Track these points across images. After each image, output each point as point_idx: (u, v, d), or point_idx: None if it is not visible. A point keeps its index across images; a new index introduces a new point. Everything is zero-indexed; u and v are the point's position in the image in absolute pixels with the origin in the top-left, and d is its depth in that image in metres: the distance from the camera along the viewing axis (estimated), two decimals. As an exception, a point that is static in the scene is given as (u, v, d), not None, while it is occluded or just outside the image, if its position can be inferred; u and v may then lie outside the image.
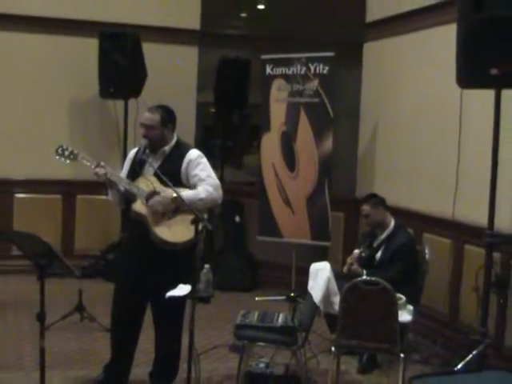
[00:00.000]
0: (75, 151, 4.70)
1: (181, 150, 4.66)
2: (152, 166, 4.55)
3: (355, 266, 5.25)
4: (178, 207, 4.41)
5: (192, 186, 4.53)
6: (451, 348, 5.57)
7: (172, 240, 4.42)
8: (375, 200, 5.51)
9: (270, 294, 7.30)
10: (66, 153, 4.69)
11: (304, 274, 5.39)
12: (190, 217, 3.98)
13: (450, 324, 5.94)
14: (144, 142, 4.60)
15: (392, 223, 5.43)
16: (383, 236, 5.40)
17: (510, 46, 4.48)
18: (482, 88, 4.81)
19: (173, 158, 4.62)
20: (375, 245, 5.42)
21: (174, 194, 4.37)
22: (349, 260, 5.33)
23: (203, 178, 4.55)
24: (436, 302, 5.93)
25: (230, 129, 9.76)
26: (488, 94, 4.78)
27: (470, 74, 4.70)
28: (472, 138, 5.58)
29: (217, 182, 4.62)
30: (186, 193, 4.46)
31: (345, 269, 5.33)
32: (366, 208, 5.48)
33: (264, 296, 7.29)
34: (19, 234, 4.40)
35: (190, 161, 4.58)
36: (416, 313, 5.09)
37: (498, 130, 4.77)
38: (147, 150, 4.57)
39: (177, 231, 4.39)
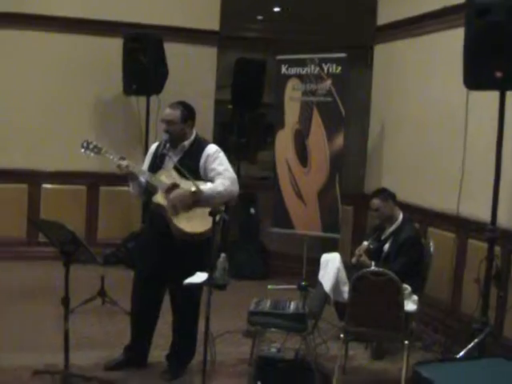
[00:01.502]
0: (99, 145, 4.74)
1: (199, 145, 4.68)
2: (172, 159, 4.57)
3: (363, 258, 5.25)
4: (196, 200, 4.43)
5: (210, 180, 4.55)
6: (452, 336, 5.56)
7: (190, 231, 4.44)
8: (385, 194, 5.49)
9: (282, 282, 7.31)
10: (91, 146, 4.73)
11: (314, 265, 5.39)
12: (208, 208, 4.00)
13: (451, 313, 5.93)
14: (165, 136, 4.62)
15: (400, 217, 5.41)
16: (391, 229, 5.39)
17: (513, 50, 4.47)
18: (487, 89, 4.79)
19: (192, 152, 4.64)
20: (383, 237, 5.41)
21: (193, 188, 4.39)
22: (357, 252, 5.33)
23: (221, 172, 4.56)
24: (439, 292, 5.92)
25: (245, 126, 9.77)
26: (493, 95, 4.76)
27: (476, 76, 4.69)
28: (477, 138, 5.56)
29: (234, 175, 4.63)
30: (204, 186, 4.47)
31: (353, 260, 5.32)
32: (376, 202, 5.46)
33: (276, 285, 7.30)
34: (46, 223, 4.44)
35: (209, 155, 4.60)
36: (420, 302, 5.09)
37: (502, 129, 4.76)
38: (168, 145, 4.59)
39: (195, 222, 4.41)
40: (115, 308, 5.89)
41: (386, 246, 5.34)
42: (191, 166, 4.52)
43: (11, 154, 7.71)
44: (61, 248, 4.16)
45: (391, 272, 4.54)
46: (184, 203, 4.47)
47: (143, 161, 4.93)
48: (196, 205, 4.46)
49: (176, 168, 4.52)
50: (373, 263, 5.18)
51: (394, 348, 5.31)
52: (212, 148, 4.66)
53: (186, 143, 4.66)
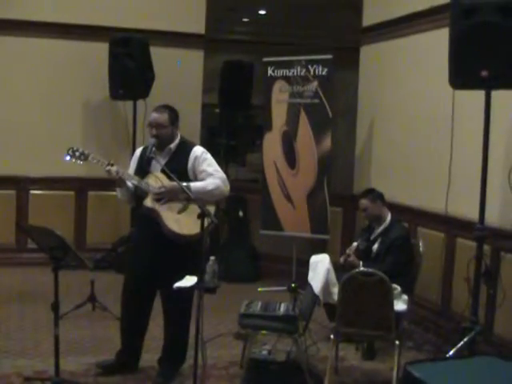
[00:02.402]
0: (86, 152, 4.68)
1: (185, 147, 4.68)
2: (160, 163, 4.56)
3: (352, 258, 5.26)
4: (187, 199, 4.42)
5: (200, 182, 4.55)
6: (443, 335, 5.59)
7: (181, 233, 4.44)
8: (373, 194, 5.51)
9: (272, 284, 7.30)
10: (77, 153, 4.67)
11: (304, 266, 5.39)
12: (198, 211, 3.99)
13: (442, 312, 5.95)
14: (152, 141, 4.61)
15: (389, 217, 5.43)
16: (380, 229, 5.41)
17: (499, 50, 4.49)
18: (473, 89, 4.81)
19: (179, 155, 4.64)
20: (372, 238, 5.43)
21: (184, 183, 4.39)
22: (347, 251, 5.35)
23: (211, 173, 4.58)
24: (429, 291, 5.94)
25: (233, 129, 9.79)
26: (479, 94, 4.78)
27: (462, 75, 4.72)
28: (464, 137, 5.58)
29: (224, 175, 4.66)
30: (194, 184, 4.48)
31: (341, 259, 5.34)
32: (364, 202, 5.48)
33: (266, 287, 7.30)
34: (35, 228, 4.42)
35: (196, 157, 4.61)
36: (410, 302, 5.10)
37: (488, 128, 4.78)
38: (153, 149, 4.58)
39: (186, 225, 4.40)
40: (106, 313, 5.87)
41: (375, 246, 5.36)
42: (179, 169, 4.51)
43: (-2, 161, 7.68)
44: (50, 253, 4.14)
45: (380, 272, 4.54)
46: (172, 194, 4.47)
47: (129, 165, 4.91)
48: (186, 207, 4.46)
49: (164, 171, 4.51)
50: (361, 263, 5.19)
51: (385, 348, 5.31)
52: (199, 150, 4.67)
53: (172, 146, 4.66)
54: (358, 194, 5.74)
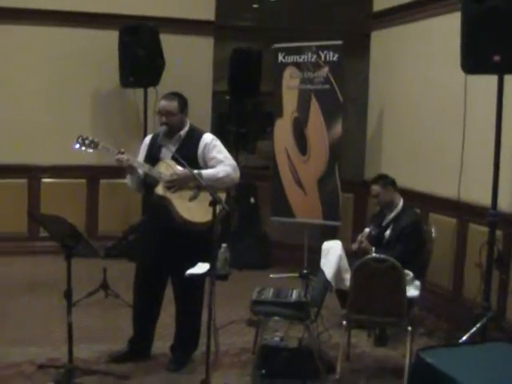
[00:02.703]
0: (95, 140, 4.67)
1: (195, 134, 4.68)
2: (170, 150, 4.56)
3: (365, 244, 5.26)
4: (198, 186, 4.42)
5: (211, 168, 4.55)
6: (455, 321, 5.57)
7: (193, 220, 4.44)
8: (385, 180, 5.48)
9: (284, 271, 7.31)
10: (87, 142, 4.66)
11: (315, 253, 5.39)
12: (209, 199, 3.99)
13: (454, 299, 5.94)
14: (162, 128, 4.60)
15: (401, 203, 5.41)
16: (392, 215, 5.39)
17: (510, 34, 4.45)
18: (486, 73, 4.78)
19: (188, 142, 4.64)
20: (384, 224, 5.41)
21: (195, 171, 4.38)
22: (359, 238, 5.34)
23: (221, 159, 4.58)
24: (441, 278, 5.93)
25: (243, 116, 9.73)
26: (491, 80, 4.75)
27: (474, 60, 4.69)
28: (476, 122, 5.55)
29: (234, 162, 4.66)
30: (206, 172, 4.48)
31: (355, 246, 5.34)
32: (375, 188, 5.46)
33: (278, 273, 7.30)
34: (47, 217, 4.44)
35: (206, 144, 4.61)
36: (422, 288, 5.09)
37: (501, 113, 4.75)
38: (162, 136, 4.57)
39: (197, 212, 4.40)
40: (118, 301, 5.90)
41: (387, 233, 5.35)
42: (189, 156, 4.50)
43: (10, 150, 7.68)
44: (62, 242, 4.16)
45: (392, 258, 4.54)
46: (184, 181, 4.47)
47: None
48: (198, 194, 4.46)
49: (174, 158, 4.51)
50: (373, 249, 5.19)
51: (397, 335, 5.31)
52: (208, 137, 4.66)
53: (182, 133, 4.66)
54: (370, 180, 5.72)
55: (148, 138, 4.84)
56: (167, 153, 4.59)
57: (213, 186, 4.32)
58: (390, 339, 5.36)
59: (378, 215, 5.57)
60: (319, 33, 8.00)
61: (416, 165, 6.66)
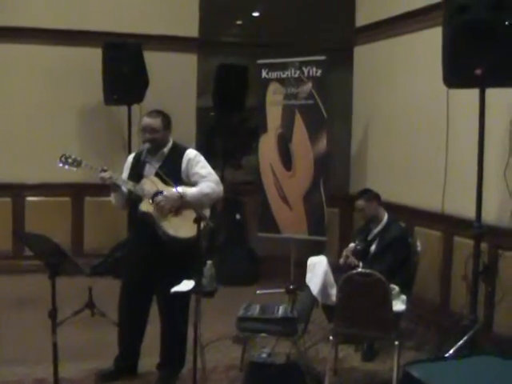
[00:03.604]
0: (78, 158, 4.70)
1: (178, 150, 4.70)
2: (154, 166, 4.56)
3: (351, 259, 5.26)
4: (183, 203, 4.42)
5: (193, 184, 4.56)
6: (443, 334, 5.57)
7: (178, 236, 4.43)
8: (369, 195, 5.50)
9: (271, 286, 7.28)
10: (70, 160, 4.68)
11: (302, 267, 5.37)
12: (193, 215, 3.98)
13: (441, 311, 5.95)
14: (145, 146, 4.61)
15: (385, 217, 5.42)
16: (377, 230, 5.39)
17: (492, 48, 4.48)
18: (468, 87, 4.81)
19: (172, 158, 4.65)
20: (369, 238, 5.41)
21: (179, 188, 4.38)
22: (344, 252, 5.34)
23: (204, 175, 4.59)
24: (427, 290, 5.94)
25: (229, 132, 9.73)
26: (473, 93, 4.78)
27: (456, 74, 4.72)
28: (459, 135, 5.58)
29: (217, 177, 4.68)
30: (190, 190, 4.48)
31: (341, 260, 5.33)
32: (360, 203, 5.47)
33: (264, 289, 7.28)
34: (30, 236, 4.41)
35: (190, 159, 4.61)
36: (409, 302, 5.09)
37: (483, 126, 4.78)
38: (145, 153, 4.58)
39: (182, 228, 4.40)
40: (104, 319, 5.84)
41: (373, 247, 5.35)
42: (173, 172, 4.51)
43: (-6, 168, 7.66)
44: (46, 261, 4.12)
45: (378, 272, 4.54)
46: (171, 205, 4.46)
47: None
48: (183, 208, 4.45)
49: (158, 175, 4.50)
50: (360, 263, 5.18)
51: (385, 348, 5.30)
52: (192, 152, 4.67)
53: (165, 150, 4.67)
54: (354, 195, 5.73)
55: (131, 157, 4.85)
56: (151, 169, 4.59)
57: (199, 203, 4.32)
58: (378, 353, 5.36)
59: (362, 229, 5.58)
60: (303, 48, 8.03)
61: (401, 178, 6.68)
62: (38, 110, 7.83)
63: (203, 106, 9.08)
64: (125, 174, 4.78)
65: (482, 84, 4.67)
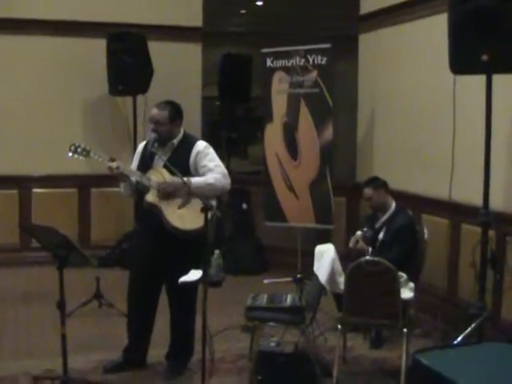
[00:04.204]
0: (87, 148, 4.69)
1: (188, 142, 4.66)
2: (161, 158, 4.55)
3: (361, 244, 5.23)
4: (189, 193, 4.41)
5: (201, 176, 4.54)
6: (450, 322, 5.56)
7: (184, 227, 4.43)
8: (377, 183, 5.47)
9: (278, 276, 7.29)
10: (79, 150, 4.68)
11: (309, 256, 5.37)
12: (200, 205, 3.98)
13: (448, 299, 5.93)
14: (153, 135, 4.60)
15: (393, 205, 5.40)
16: (384, 218, 5.37)
17: (498, 33, 4.45)
18: (474, 74, 4.77)
19: (181, 150, 4.63)
20: (377, 226, 5.39)
21: (185, 178, 4.38)
22: (353, 238, 5.32)
23: (212, 168, 4.56)
24: (435, 278, 5.92)
25: (234, 121, 9.75)
26: (480, 79, 4.75)
27: (462, 60, 4.68)
28: (466, 122, 5.54)
29: (225, 170, 4.64)
30: (195, 179, 4.47)
31: (351, 244, 5.31)
32: (368, 191, 5.44)
33: (272, 278, 7.29)
34: (38, 228, 4.42)
35: (199, 152, 4.59)
36: (416, 289, 5.08)
37: (490, 112, 4.74)
38: (156, 144, 4.57)
39: (188, 219, 4.40)
40: (112, 310, 5.87)
41: (381, 235, 5.33)
42: (181, 164, 4.50)
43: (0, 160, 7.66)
44: (54, 252, 4.13)
45: (387, 261, 4.53)
46: (174, 188, 4.46)
47: (132, 160, 4.90)
48: (188, 201, 4.45)
49: (166, 166, 4.50)
50: (370, 249, 5.16)
51: (393, 336, 5.31)
52: (201, 144, 4.65)
53: (175, 141, 4.65)
54: (362, 183, 5.71)
55: (141, 146, 4.83)
56: (159, 161, 4.59)
57: (203, 193, 4.31)
58: (387, 341, 5.36)
59: (370, 217, 5.56)
60: (307, 36, 8.00)
61: (407, 166, 6.66)
62: (43, 101, 7.84)
63: (209, 96, 9.08)
64: (134, 163, 4.78)
65: (489, 70, 4.63)
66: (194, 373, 4.70)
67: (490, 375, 2.98)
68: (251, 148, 12.15)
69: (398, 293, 4.53)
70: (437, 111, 6.11)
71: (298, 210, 7.33)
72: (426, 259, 5.18)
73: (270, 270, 7.68)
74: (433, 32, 6.03)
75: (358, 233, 5.40)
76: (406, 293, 4.85)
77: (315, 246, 5.23)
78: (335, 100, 7.15)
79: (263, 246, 8.05)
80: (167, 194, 4.47)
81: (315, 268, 5.02)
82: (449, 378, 2.86)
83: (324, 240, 6.15)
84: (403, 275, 4.90)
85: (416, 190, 6.43)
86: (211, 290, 4.02)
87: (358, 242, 5.27)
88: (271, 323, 4.67)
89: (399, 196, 5.83)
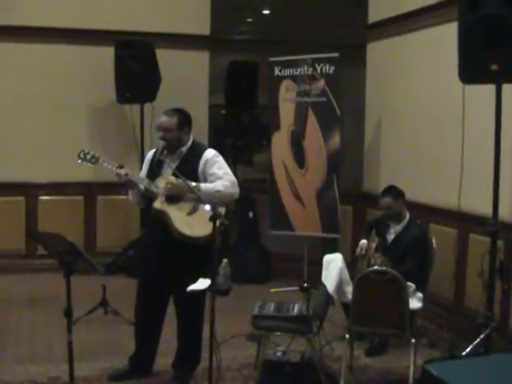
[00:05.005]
0: (96, 155, 4.69)
1: (197, 150, 4.65)
2: (170, 166, 4.54)
3: (380, 257, 5.10)
4: (197, 200, 4.38)
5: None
6: (457, 332, 5.54)
7: (191, 234, 4.41)
8: (396, 192, 5.41)
9: (284, 285, 7.25)
10: (88, 157, 4.68)
11: (315, 265, 5.36)
12: (209, 213, 3.96)
13: (455, 309, 5.91)
14: (161, 143, 4.58)
15: (407, 216, 5.36)
16: (399, 228, 5.31)
17: (507, 42, 4.43)
18: (484, 83, 4.75)
19: (190, 158, 4.61)
20: (390, 236, 5.34)
21: (193, 183, 4.36)
22: (359, 251, 5.27)
23: (221, 176, 4.54)
24: (443, 288, 5.90)
25: (240, 129, 9.74)
26: (489, 88, 4.73)
27: (472, 70, 4.66)
28: (475, 131, 5.52)
29: (234, 178, 4.61)
30: (204, 185, 4.45)
31: (358, 251, 5.27)
32: (387, 200, 5.36)
33: (278, 287, 7.26)
34: (45, 235, 4.40)
35: (207, 160, 4.57)
36: (424, 299, 5.05)
37: (500, 122, 4.72)
38: (165, 151, 4.56)
39: (196, 226, 4.38)
40: (118, 318, 5.85)
41: (393, 245, 5.28)
42: (190, 172, 4.48)
43: (6, 167, 7.66)
44: (60, 259, 4.11)
45: (401, 272, 4.50)
46: (181, 191, 4.44)
47: (139, 168, 4.90)
48: (196, 209, 4.43)
49: (175, 174, 4.48)
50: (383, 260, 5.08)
51: (399, 346, 5.27)
52: (210, 152, 4.63)
53: (184, 149, 4.63)
54: (381, 192, 5.61)
55: (150, 153, 4.82)
56: (168, 169, 4.57)
57: (212, 200, 4.29)
58: (393, 350, 5.33)
59: (371, 225, 5.52)
60: (315, 45, 8.00)
61: (415, 175, 6.63)
62: (51, 109, 7.84)
63: (215, 104, 9.08)
64: (144, 170, 4.77)
65: (498, 79, 4.62)
66: (199, 381, 4.67)
67: (501, 387, 2.95)
68: (257, 156, 12.14)
69: (406, 302, 4.51)
70: (445, 120, 6.09)
71: (304, 219, 7.31)
72: (433, 268, 5.15)
73: (276, 279, 7.65)
74: (441, 41, 6.02)
75: (363, 241, 5.36)
76: (414, 303, 4.82)
77: (321, 254, 5.21)
78: (342, 109, 7.15)
79: (269, 254, 8.02)
80: (174, 196, 4.45)
81: (323, 277, 5.00)
82: (459, 390, 2.84)
83: (330, 248, 6.14)
84: (411, 285, 4.87)
85: (424, 199, 6.40)
86: (218, 298, 4.01)
87: (366, 251, 5.22)
88: (278, 332, 4.64)
89: (407, 205, 5.80)
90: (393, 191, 5.43)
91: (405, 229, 5.30)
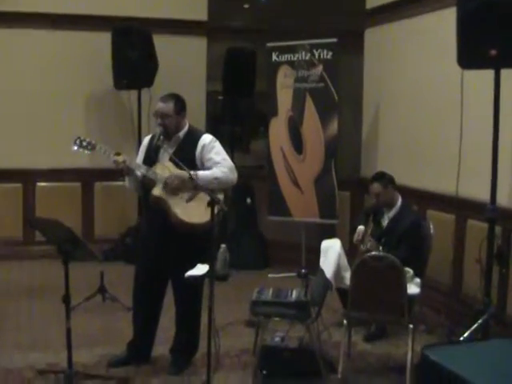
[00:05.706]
0: (93, 142, 4.65)
1: (194, 135, 4.63)
2: (167, 151, 4.52)
3: (372, 243, 5.15)
4: (195, 187, 4.37)
5: (207, 170, 4.51)
6: (455, 318, 5.54)
7: (190, 221, 4.40)
8: (385, 179, 5.41)
9: (282, 271, 7.27)
10: (84, 143, 4.64)
11: (313, 251, 5.35)
12: (207, 199, 3.95)
13: (453, 295, 5.91)
14: (159, 129, 4.56)
15: (399, 201, 5.36)
16: (391, 214, 5.33)
17: (507, 28, 4.42)
18: (482, 68, 4.74)
19: (187, 143, 4.59)
20: (383, 222, 5.36)
21: (192, 171, 4.34)
22: (356, 237, 5.28)
23: (218, 161, 4.52)
24: (440, 274, 5.90)
25: (238, 116, 9.69)
26: (487, 74, 4.71)
27: (470, 55, 4.65)
28: (473, 117, 5.50)
29: (231, 164, 4.60)
30: (202, 172, 4.44)
31: (355, 240, 5.28)
32: (376, 186, 5.37)
33: (276, 273, 7.26)
34: (43, 221, 4.39)
35: (204, 145, 4.55)
36: (422, 285, 5.05)
37: (499, 108, 4.71)
38: (162, 137, 4.53)
39: (195, 213, 4.36)
40: (116, 304, 5.86)
41: (387, 230, 5.29)
42: (187, 157, 4.46)
43: (4, 154, 7.65)
44: (59, 246, 4.11)
45: (393, 256, 4.50)
46: (179, 181, 4.42)
47: (136, 154, 4.87)
48: (195, 195, 4.41)
49: (172, 160, 4.47)
50: (381, 248, 5.10)
51: (397, 332, 5.28)
52: (207, 138, 4.61)
53: (181, 134, 4.61)
54: (367, 178, 5.66)
55: (147, 139, 4.79)
56: (165, 154, 4.55)
57: (210, 187, 4.28)
58: (391, 336, 5.34)
59: (368, 212, 5.52)
60: (313, 31, 7.96)
61: (413, 161, 6.62)
62: (48, 95, 7.80)
63: (213, 90, 9.05)
64: (140, 157, 4.74)
65: (497, 65, 4.60)
66: (198, 367, 4.68)
67: (500, 371, 2.96)
68: (254, 143, 12.09)
69: (404, 288, 4.50)
70: (444, 106, 6.07)
71: (302, 205, 7.31)
72: (431, 255, 5.15)
73: (274, 265, 7.65)
74: (440, 26, 5.99)
75: (360, 227, 5.36)
76: (413, 288, 4.82)
77: (319, 240, 5.20)
78: (340, 95, 7.13)
79: (267, 240, 8.02)
80: (174, 187, 4.44)
81: (321, 263, 4.99)
82: (458, 374, 2.84)
83: (328, 234, 6.12)
84: (409, 271, 4.87)
85: (421, 186, 6.39)
86: (216, 284, 3.99)
87: (363, 237, 5.23)
88: (276, 318, 4.64)
89: (404, 191, 5.78)
90: (382, 178, 5.41)
91: (398, 214, 5.30)
